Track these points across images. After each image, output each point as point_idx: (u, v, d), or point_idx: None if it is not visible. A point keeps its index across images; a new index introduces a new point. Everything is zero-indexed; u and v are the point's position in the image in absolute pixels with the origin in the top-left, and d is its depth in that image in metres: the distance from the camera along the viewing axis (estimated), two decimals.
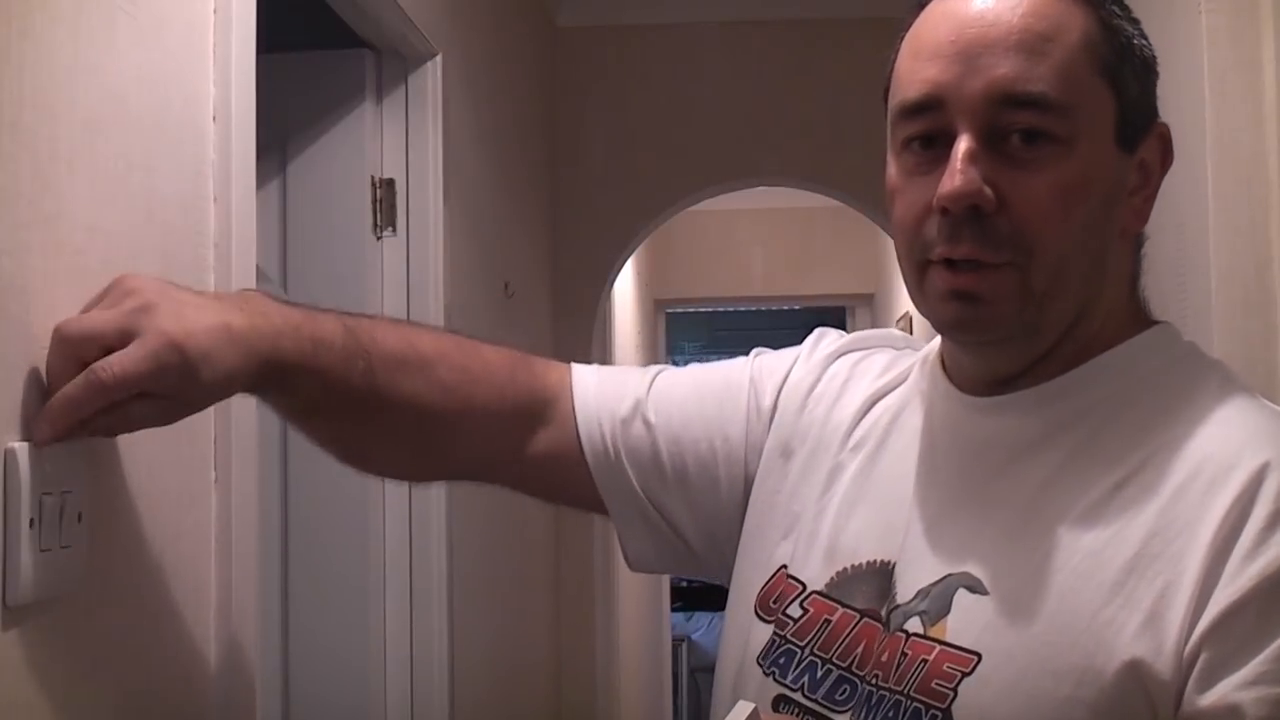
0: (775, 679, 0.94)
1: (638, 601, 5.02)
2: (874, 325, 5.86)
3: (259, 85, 1.43)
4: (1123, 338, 0.89)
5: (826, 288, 6.08)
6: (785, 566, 0.98)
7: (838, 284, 6.40)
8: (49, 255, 1.04)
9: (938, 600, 0.86)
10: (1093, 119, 0.84)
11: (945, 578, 0.86)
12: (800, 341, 1.12)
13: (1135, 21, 0.90)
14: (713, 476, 1.05)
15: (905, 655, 0.85)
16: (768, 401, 1.05)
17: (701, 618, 7.29)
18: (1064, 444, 0.86)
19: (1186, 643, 0.75)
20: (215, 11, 1.36)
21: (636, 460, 1.05)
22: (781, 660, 0.94)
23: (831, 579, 0.94)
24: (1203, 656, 0.75)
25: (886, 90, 0.91)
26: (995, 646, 0.82)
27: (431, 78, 2.23)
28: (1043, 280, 0.84)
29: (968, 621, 0.84)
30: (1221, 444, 0.80)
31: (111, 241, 1.13)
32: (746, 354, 1.10)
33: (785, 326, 8.93)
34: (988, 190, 0.82)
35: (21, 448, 0.98)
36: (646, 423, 1.05)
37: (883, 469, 0.96)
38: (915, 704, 0.83)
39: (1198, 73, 1.50)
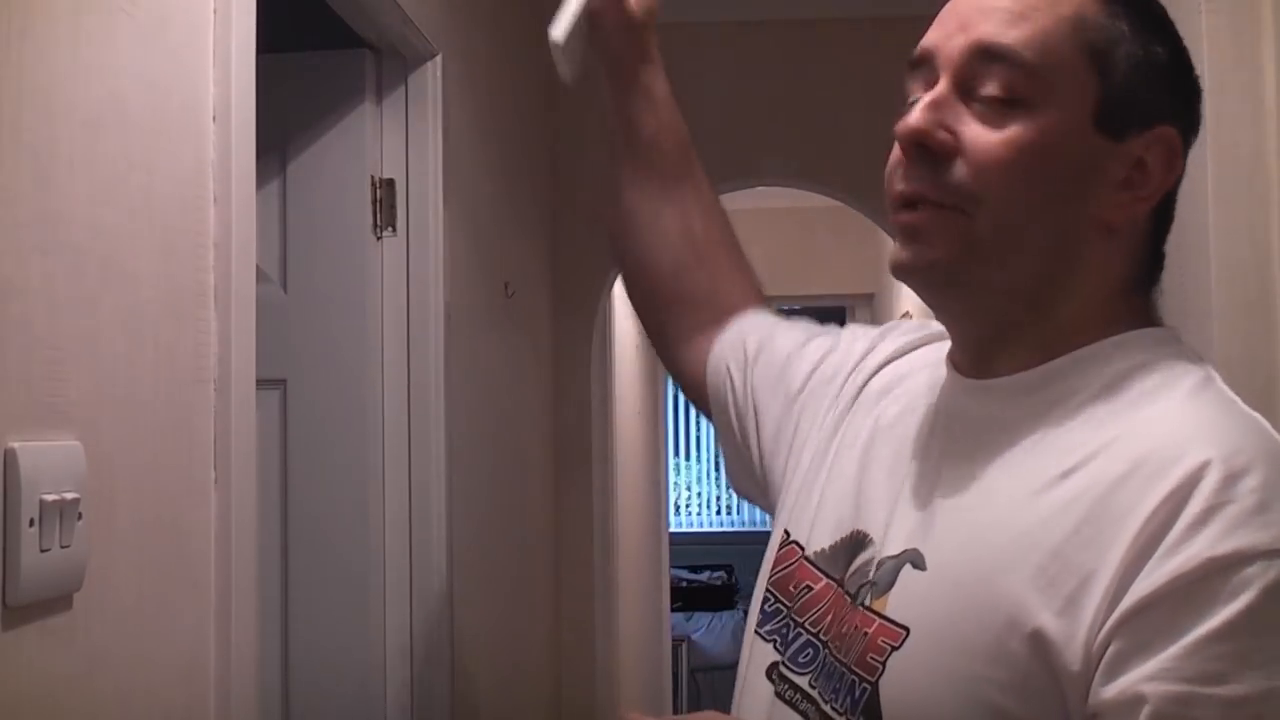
0: (761, 636, 0.98)
1: (638, 601, 5.01)
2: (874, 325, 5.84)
3: (259, 85, 1.43)
4: (1109, 334, 0.89)
5: (826, 288, 6.07)
6: (788, 532, 1.02)
7: (838, 284, 6.40)
8: (49, 255, 1.04)
9: (889, 574, 0.88)
10: (1065, 90, 0.85)
11: (903, 552, 0.88)
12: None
13: (1160, 24, 0.92)
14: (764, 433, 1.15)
15: (856, 628, 0.88)
16: (836, 374, 1.12)
17: (701, 618, 7.28)
18: (1029, 433, 0.87)
19: (1099, 632, 0.75)
20: (215, 11, 1.36)
21: (731, 393, 1.19)
22: (770, 620, 0.98)
23: (822, 550, 0.97)
24: (1111, 648, 0.74)
25: None
26: (923, 622, 0.84)
27: (431, 78, 2.23)
28: (986, 230, 0.85)
29: (906, 596, 0.86)
30: (1169, 438, 0.79)
31: (111, 241, 1.13)
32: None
33: None
34: (941, 134, 0.86)
35: (22, 448, 0.98)
36: (748, 361, 1.18)
37: (890, 441, 0.99)
38: (852, 676, 0.86)
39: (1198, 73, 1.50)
